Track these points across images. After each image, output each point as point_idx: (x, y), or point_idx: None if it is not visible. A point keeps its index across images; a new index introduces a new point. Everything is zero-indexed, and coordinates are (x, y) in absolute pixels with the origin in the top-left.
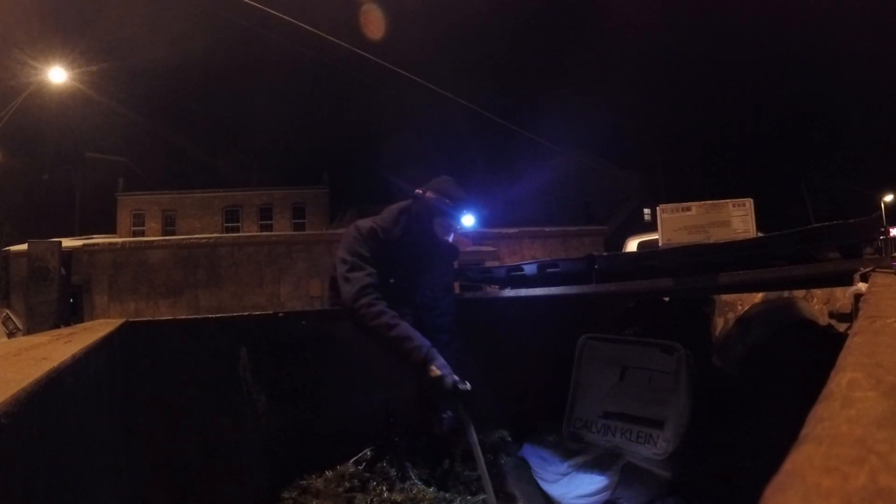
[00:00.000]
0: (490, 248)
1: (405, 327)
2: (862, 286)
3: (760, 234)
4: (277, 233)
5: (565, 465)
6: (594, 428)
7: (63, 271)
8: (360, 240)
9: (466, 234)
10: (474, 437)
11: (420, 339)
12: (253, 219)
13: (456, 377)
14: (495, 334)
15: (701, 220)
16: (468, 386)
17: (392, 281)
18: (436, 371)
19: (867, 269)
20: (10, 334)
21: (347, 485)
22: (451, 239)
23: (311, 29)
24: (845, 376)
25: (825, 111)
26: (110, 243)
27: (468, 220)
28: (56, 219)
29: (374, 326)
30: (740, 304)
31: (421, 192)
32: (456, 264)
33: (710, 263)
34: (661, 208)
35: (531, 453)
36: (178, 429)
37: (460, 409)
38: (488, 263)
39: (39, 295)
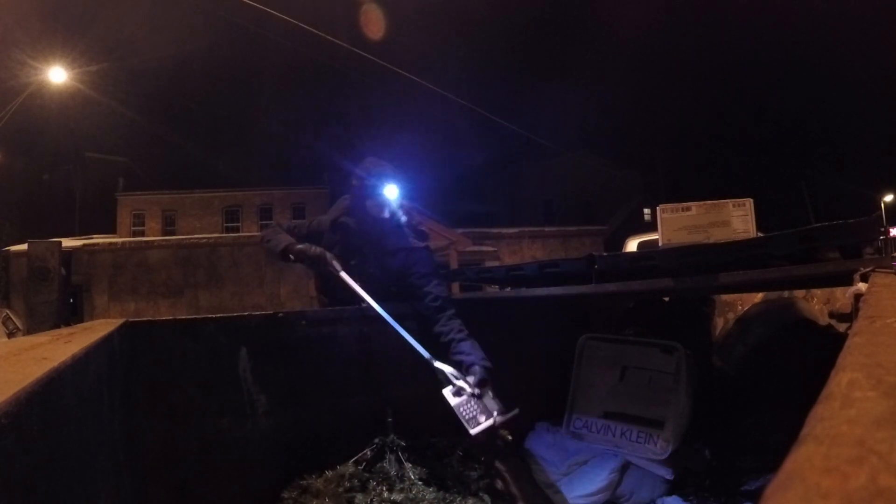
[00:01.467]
0: (490, 248)
1: (272, 234)
2: (862, 286)
3: (760, 234)
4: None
5: (565, 465)
6: (594, 428)
7: (63, 271)
8: (306, 224)
9: (407, 209)
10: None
11: (280, 237)
12: (253, 219)
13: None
14: (495, 334)
15: (701, 220)
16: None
17: (352, 263)
18: (298, 246)
19: (867, 269)
20: (10, 334)
21: (347, 485)
22: (386, 215)
23: (311, 29)
24: (845, 376)
25: (825, 111)
26: (110, 243)
27: (391, 192)
28: (56, 219)
29: (266, 248)
30: (740, 304)
31: (354, 178)
32: (453, 237)
33: (710, 263)
34: (661, 208)
35: (531, 453)
36: (178, 429)
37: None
38: (488, 263)
39: (39, 295)
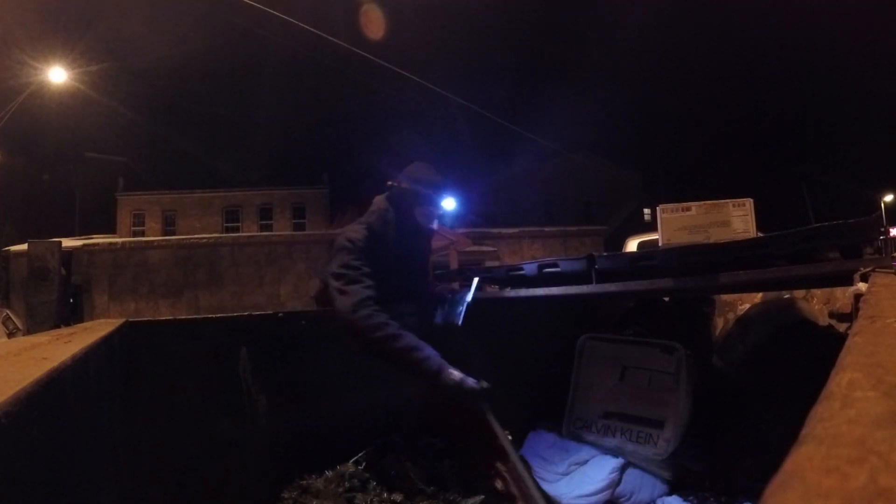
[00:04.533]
0: (490, 248)
1: (411, 337)
2: (862, 286)
3: (760, 234)
4: (277, 233)
5: (565, 465)
6: (594, 428)
7: (63, 271)
8: (354, 252)
9: (451, 224)
10: (499, 430)
11: (428, 349)
12: (253, 219)
13: (471, 378)
14: (495, 334)
15: (701, 220)
16: (486, 384)
17: (394, 282)
18: (454, 375)
19: (867, 269)
20: (10, 334)
21: (347, 485)
22: (434, 226)
23: (311, 29)
24: (845, 376)
25: (825, 111)
26: (110, 243)
27: (449, 204)
28: (56, 219)
29: (376, 339)
30: (740, 304)
31: (396, 182)
32: (453, 236)
33: (710, 263)
34: (661, 208)
35: (531, 453)
36: (178, 429)
37: (486, 408)
38: (488, 263)
39: (39, 295)
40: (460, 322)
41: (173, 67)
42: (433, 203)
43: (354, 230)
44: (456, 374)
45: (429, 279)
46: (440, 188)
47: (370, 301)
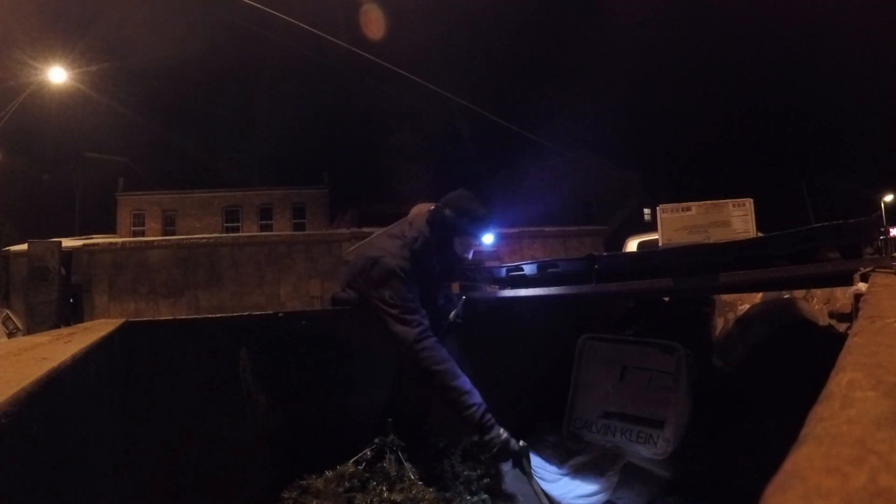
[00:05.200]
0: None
1: (465, 380)
2: (862, 286)
3: (760, 234)
4: (277, 233)
5: (565, 465)
6: (594, 428)
7: (63, 271)
8: (405, 281)
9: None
10: (538, 486)
11: (478, 397)
12: (253, 219)
13: (513, 438)
14: (495, 334)
15: (701, 220)
16: (525, 444)
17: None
18: (500, 435)
19: (867, 269)
20: (10, 334)
21: (347, 485)
22: (470, 256)
23: (311, 29)
24: (845, 376)
25: (825, 111)
26: (110, 243)
27: (488, 239)
28: (56, 219)
29: (436, 371)
30: (740, 304)
31: (440, 206)
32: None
33: (710, 263)
34: (661, 208)
35: (531, 453)
36: (178, 429)
37: (524, 464)
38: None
39: (39, 295)
40: (440, 334)
41: (173, 67)
42: (475, 237)
43: (399, 255)
44: (499, 429)
45: (440, 289)
46: (485, 224)
47: (430, 331)
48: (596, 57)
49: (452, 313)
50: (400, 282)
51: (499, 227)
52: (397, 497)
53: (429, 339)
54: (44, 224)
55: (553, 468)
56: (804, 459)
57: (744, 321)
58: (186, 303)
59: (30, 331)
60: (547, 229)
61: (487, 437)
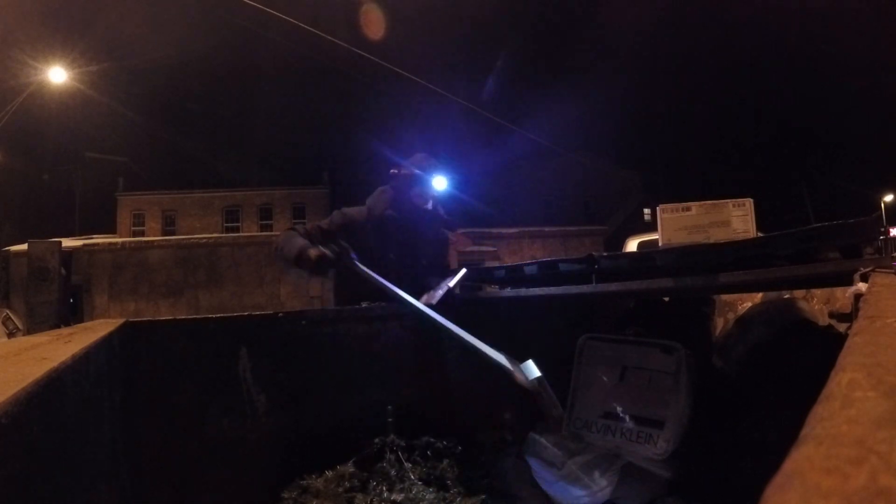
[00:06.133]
0: (490, 248)
1: (290, 241)
2: (862, 286)
3: (760, 234)
4: (277, 233)
5: (565, 465)
6: (594, 428)
7: (63, 271)
8: (342, 214)
9: (446, 204)
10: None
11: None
12: (253, 219)
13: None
14: (495, 334)
15: (701, 220)
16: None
17: (392, 256)
18: (314, 252)
19: (867, 269)
20: (10, 334)
21: (347, 485)
22: (429, 206)
23: (311, 29)
24: (845, 376)
25: (825, 111)
26: (110, 243)
27: (440, 184)
28: (56, 219)
29: (279, 249)
30: (740, 304)
31: (396, 170)
32: (453, 236)
33: (710, 263)
34: (661, 208)
35: (531, 454)
36: (178, 429)
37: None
38: (488, 263)
39: (39, 295)
40: (435, 302)
41: (173, 67)
42: (426, 184)
43: (347, 209)
44: (314, 249)
45: (429, 260)
46: (431, 167)
47: (299, 229)
48: (596, 56)
49: (453, 282)
50: (337, 213)
51: (447, 173)
52: (397, 497)
53: (290, 231)
54: (44, 224)
55: (553, 468)
56: (804, 459)
57: (744, 321)
58: (186, 303)
59: (30, 331)
60: (547, 229)
61: (309, 258)
